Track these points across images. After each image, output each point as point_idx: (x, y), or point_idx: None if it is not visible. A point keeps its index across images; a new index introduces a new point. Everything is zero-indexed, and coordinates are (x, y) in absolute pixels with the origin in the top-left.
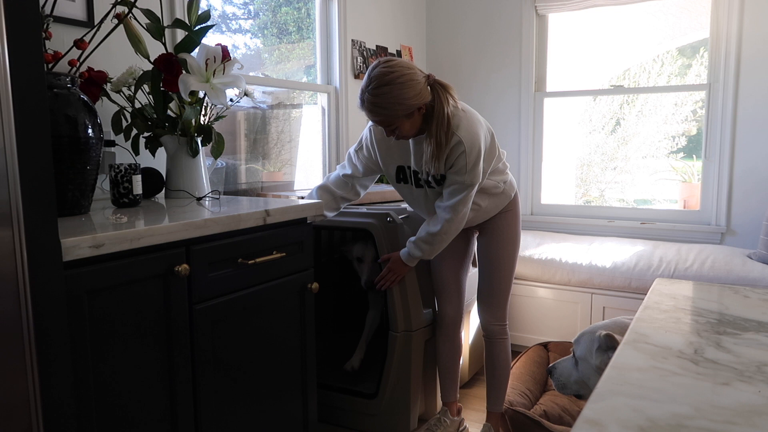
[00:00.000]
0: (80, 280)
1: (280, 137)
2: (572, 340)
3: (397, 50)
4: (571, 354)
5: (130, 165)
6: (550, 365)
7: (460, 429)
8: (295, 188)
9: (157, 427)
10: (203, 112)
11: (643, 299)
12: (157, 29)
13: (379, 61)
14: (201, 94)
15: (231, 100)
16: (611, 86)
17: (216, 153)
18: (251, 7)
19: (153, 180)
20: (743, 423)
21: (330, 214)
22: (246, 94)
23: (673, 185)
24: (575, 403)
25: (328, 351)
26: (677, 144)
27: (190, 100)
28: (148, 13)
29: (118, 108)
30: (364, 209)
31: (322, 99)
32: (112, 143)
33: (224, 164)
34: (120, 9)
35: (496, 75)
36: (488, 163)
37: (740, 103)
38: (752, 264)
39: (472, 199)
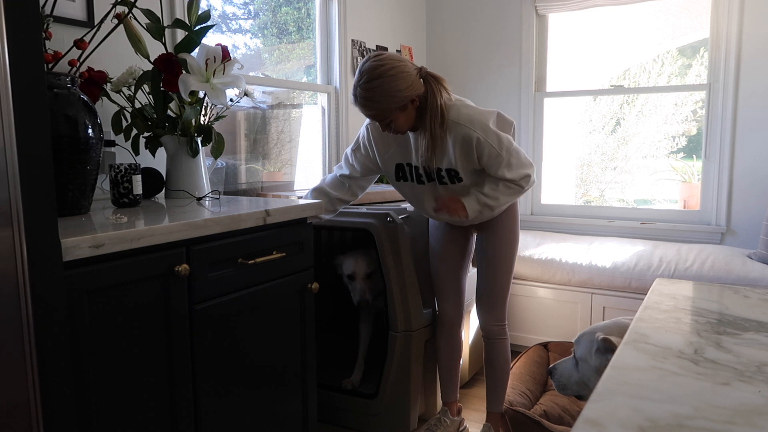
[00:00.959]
0: (80, 280)
1: (280, 137)
2: (573, 341)
3: (397, 50)
4: (572, 355)
5: (130, 165)
6: (551, 366)
7: (460, 429)
8: (295, 188)
9: (157, 427)
10: (203, 112)
11: (643, 299)
12: (157, 29)
13: (370, 55)
14: (201, 94)
15: (231, 100)
16: (611, 86)
17: (216, 153)
18: (251, 7)
19: (153, 180)
20: (743, 423)
21: (326, 217)
22: (246, 94)
23: (673, 185)
24: (575, 403)
25: (327, 351)
26: (677, 144)
27: (190, 100)
28: (148, 13)
29: (118, 108)
30: (364, 209)
31: (322, 99)
32: (112, 143)
33: (224, 164)
34: (120, 9)
35: (496, 75)
36: (507, 131)
37: (740, 103)
38: (752, 264)
39: (521, 149)
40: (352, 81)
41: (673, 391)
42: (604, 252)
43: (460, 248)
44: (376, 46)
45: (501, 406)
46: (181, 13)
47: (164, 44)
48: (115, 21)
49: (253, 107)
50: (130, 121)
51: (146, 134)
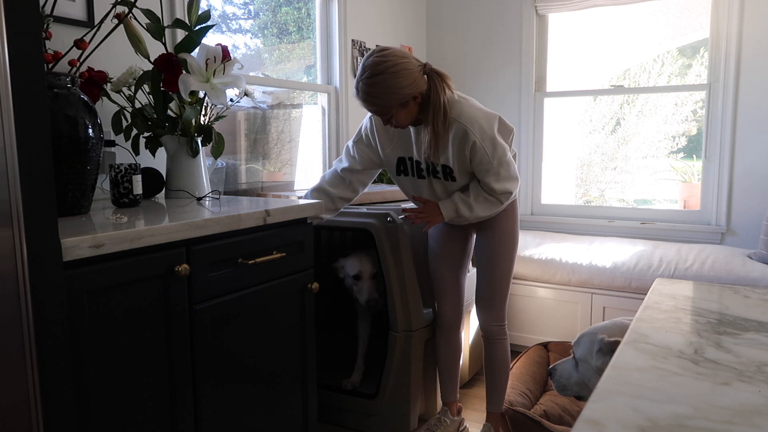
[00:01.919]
0: (80, 280)
1: (280, 137)
2: (572, 341)
3: None
4: (572, 355)
5: (130, 165)
6: (551, 366)
7: (460, 429)
8: (295, 188)
9: (157, 427)
10: (203, 112)
11: (643, 299)
12: (157, 29)
13: (374, 50)
14: (201, 94)
15: (231, 100)
16: (611, 86)
17: (216, 153)
18: (251, 7)
19: (153, 180)
20: (743, 423)
21: (327, 216)
22: (246, 94)
23: (673, 185)
24: (575, 403)
25: (327, 351)
26: (677, 144)
27: (190, 100)
28: (148, 13)
29: (118, 108)
30: (364, 209)
31: (322, 99)
32: (112, 143)
33: (224, 164)
34: (120, 9)
35: (496, 75)
36: (506, 138)
37: (740, 103)
38: (752, 264)
39: (513, 162)
40: (352, 81)
41: (673, 391)
42: (604, 252)
43: (460, 248)
44: (376, 46)
45: (501, 406)
46: (181, 13)
47: (164, 44)
48: (115, 21)
49: (253, 107)
50: (130, 121)
51: (146, 134)
